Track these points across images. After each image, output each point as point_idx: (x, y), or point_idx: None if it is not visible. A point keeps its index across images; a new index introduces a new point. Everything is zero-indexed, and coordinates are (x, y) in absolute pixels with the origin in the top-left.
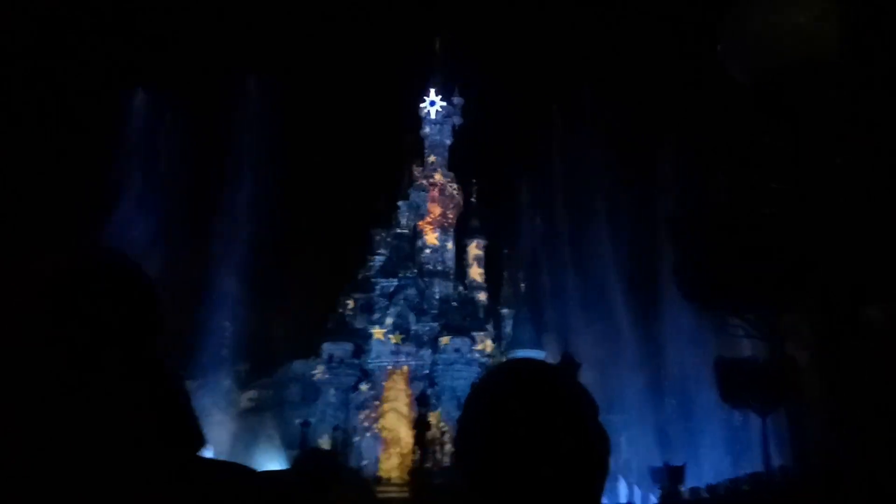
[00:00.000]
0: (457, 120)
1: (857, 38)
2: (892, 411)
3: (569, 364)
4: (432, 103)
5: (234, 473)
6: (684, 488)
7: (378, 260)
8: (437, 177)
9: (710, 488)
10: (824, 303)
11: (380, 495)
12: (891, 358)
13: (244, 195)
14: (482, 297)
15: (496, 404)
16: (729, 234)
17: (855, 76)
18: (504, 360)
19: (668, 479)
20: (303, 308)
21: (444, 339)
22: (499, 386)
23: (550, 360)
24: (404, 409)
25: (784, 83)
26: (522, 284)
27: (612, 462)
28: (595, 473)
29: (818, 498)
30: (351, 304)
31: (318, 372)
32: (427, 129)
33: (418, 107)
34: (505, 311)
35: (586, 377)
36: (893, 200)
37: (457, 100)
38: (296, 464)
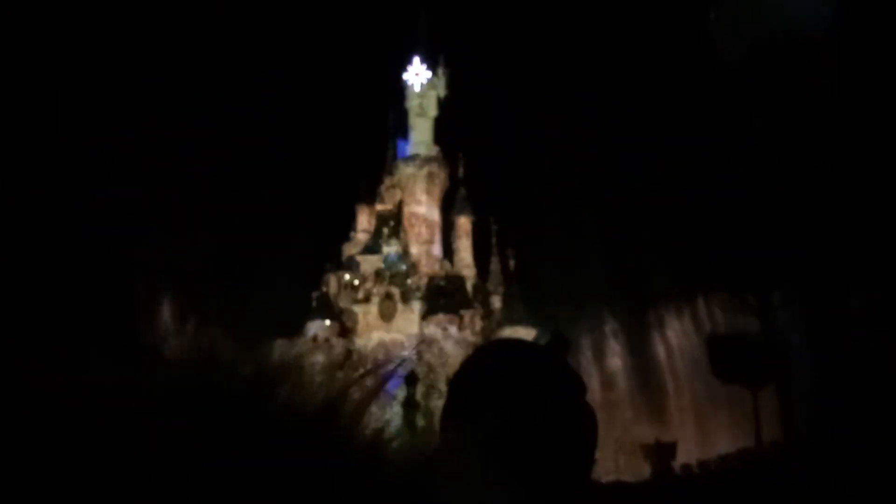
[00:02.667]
0: (441, 91)
1: (849, 14)
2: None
3: (558, 343)
4: (417, 74)
5: None
6: (675, 465)
7: (363, 237)
8: (422, 149)
9: (701, 464)
10: (810, 286)
11: None
12: (874, 342)
13: (228, 171)
14: (470, 273)
15: (479, 386)
16: (722, 215)
17: (845, 53)
18: (492, 338)
19: (659, 455)
20: (286, 286)
21: (431, 318)
22: (482, 368)
23: (541, 338)
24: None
25: (774, 57)
26: (512, 261)
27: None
28: (580, 451)
29: (807, 473)
30: (335, 282)
31: (303, 351)
32: (411, 101)
33: (402, 78)
34: (494, 288)
35: (578, 355)
36: (882, 185)
37: (441, 70)
38: None
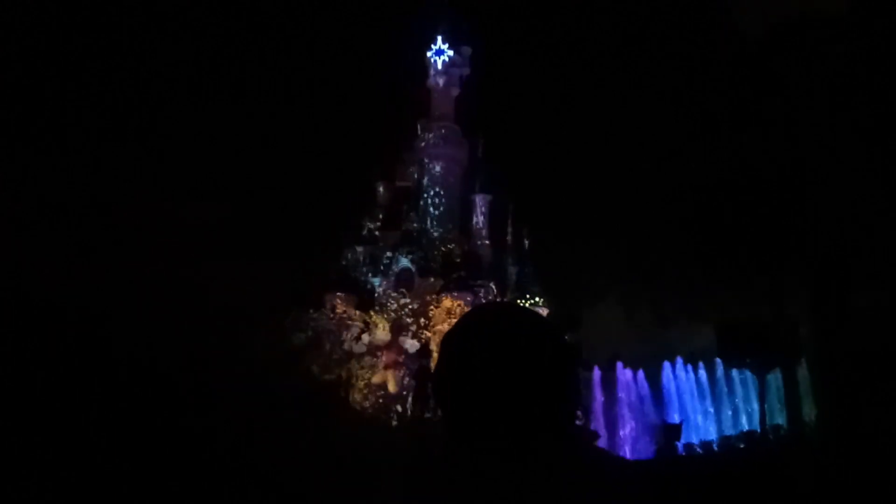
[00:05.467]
0: (465, 70)
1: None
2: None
3: (566, 319)
4: (439, 52)
5: None
6: (680, 444)
7: (382, 212)
8: (443, 128)
9: (704, 444)
10: (820, 272)
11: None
12: (878, 336)
13: (248, 147)
14: (486, 251)
15: (461, 349)
16: (735, 200)
17: (859, 36)
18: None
19: (665, 435)
20: (306, 259)
21: (448, 292)
22: (464, 332)
23: (553, 315)
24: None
25: (790, 40)
26: (527, 240)
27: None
28: (555, 416)
29: (808, 455)
30: (354, 255)
31: (322, 323)
32: (433, 80)
33: (425, 56)
34: (509, 265)
35: (588, 332)
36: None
37: (465, 49)
38: None
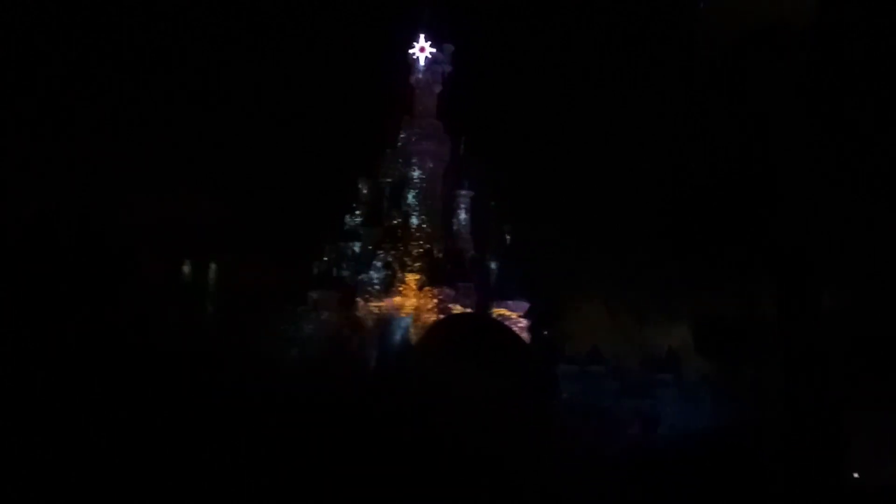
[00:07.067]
0: (447, 68)
1: (831, 10)
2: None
3: (544, 317)
4: (422, 49)
5: None
6: (652, 436)
7: (364, 209)
8: (426, 125)
9: (672, 436)
10: (787, 271)
11: None
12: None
13: (230, 144)
14: (468, 247)
15: (432, 363)
16: (708, 200)
17: (826, 43)
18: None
19: (641, 427)
20: (289, 255)
21: (429, 288)
22: (435, 347)
23: (534, 311)
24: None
25: (760, 46)
26: (508, 237)
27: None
28: (525, 421)
29: (775, 446)
30: (336, 252)
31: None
32: (416, 77)
33: (407, 53)
34: (492, 263)
35: (569, 328)
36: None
37: (447, 46)
38: None
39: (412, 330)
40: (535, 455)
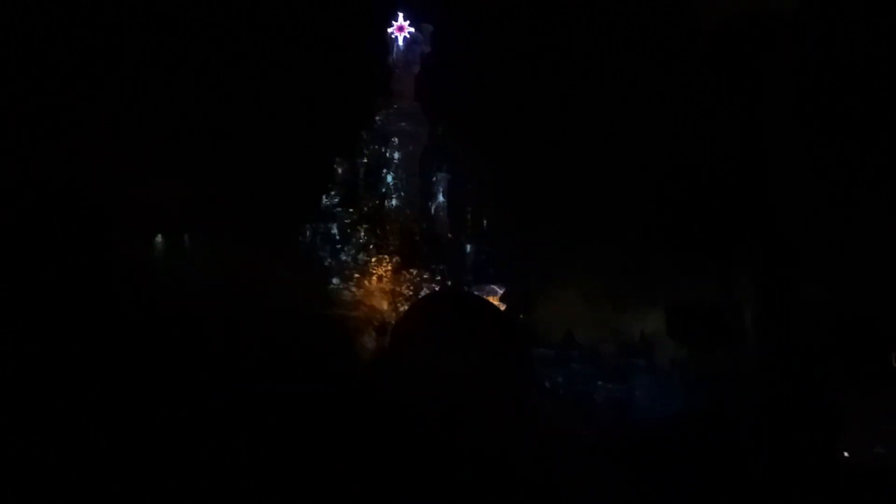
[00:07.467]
0: (425, 48)
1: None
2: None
3: (519, 301)
4: (400, 28)
5: None
6: (629, 422)
7: (341, 190)
8: (404, 106)
9: (648, 423)
10: (766, 257)
11: None
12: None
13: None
14: (445, 230)
15: (411, 339)
16: (690, 184)
17: (817, 29)
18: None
19: (616, 412)
20: (263, 235)
21: (406, 271)
22: (415, 323)
23: (508, 295)
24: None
25: (751, 32)
26: (485, 220)
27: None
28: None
29: (748, 432)
30: (312, 232)
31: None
32: (394, 57)
33: (386, 33)
34: (468, 246)
35: (544, 312)
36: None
37: (426, 26)
38: None
39: (390, 312)
40: (515, 437)
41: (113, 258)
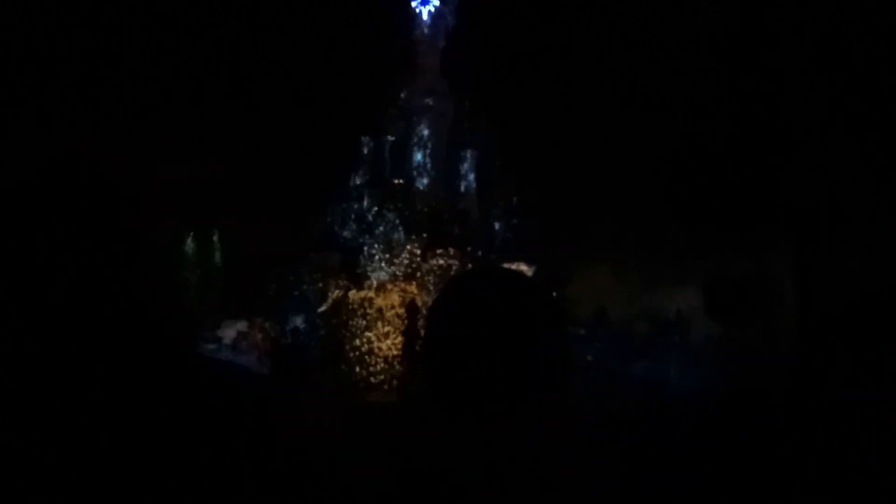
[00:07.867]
0: (450, 21)
1: None
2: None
3: (553, 278)
4: (425, 2)
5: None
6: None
7: (366, 168)
8: (429, 82)
9: (672, 399)
10: (798, 228)
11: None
12: (856, 294)
13: (229, 102)
14: (473, 207)
15: (449, 313)
16: (718, 155)
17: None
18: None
19: (649, 389)
20: (289, 215)
21: (434, 250)
22: (451, 301)
23: (540, 273)
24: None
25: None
26: (514, 197)
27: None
28: (537, 377)
29: (781, 409)
30: (339, 212)
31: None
32: (419, 32)
33: (410, 7)
34: (496, 224)
35: (575, 290)
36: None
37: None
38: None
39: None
40: (551, 415)
41: (141, 246)
